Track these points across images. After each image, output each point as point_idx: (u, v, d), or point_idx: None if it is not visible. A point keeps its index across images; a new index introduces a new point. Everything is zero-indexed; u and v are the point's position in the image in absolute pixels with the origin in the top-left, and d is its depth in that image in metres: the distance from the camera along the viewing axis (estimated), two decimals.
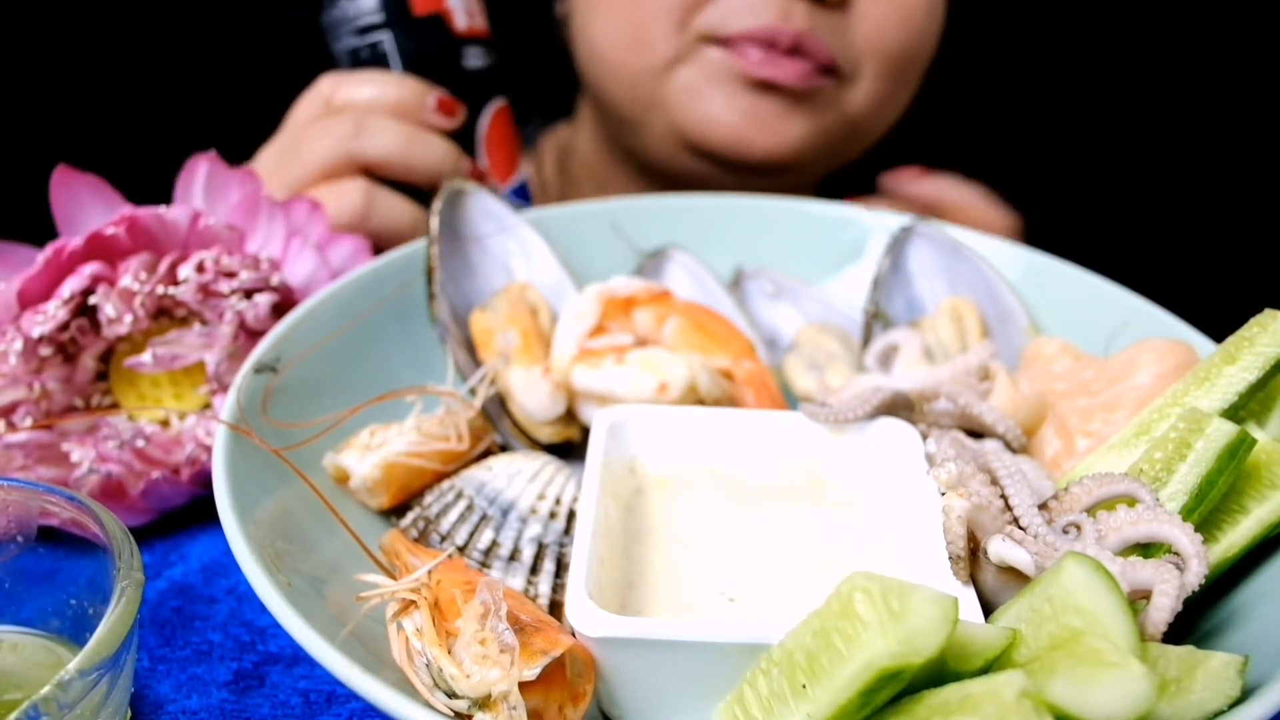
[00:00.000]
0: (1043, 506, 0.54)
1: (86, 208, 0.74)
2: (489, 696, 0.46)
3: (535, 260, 0.81)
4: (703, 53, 0.94)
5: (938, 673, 0.44)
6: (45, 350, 0.69)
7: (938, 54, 1.08)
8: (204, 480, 0.70)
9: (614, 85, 1.03)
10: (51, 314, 0.68)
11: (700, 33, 0.94)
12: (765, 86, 0.93)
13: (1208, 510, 0.53)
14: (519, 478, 0.64)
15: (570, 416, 0.72)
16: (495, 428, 0.70)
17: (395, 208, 0.83)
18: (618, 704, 0.51)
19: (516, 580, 0.59)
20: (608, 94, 1.05)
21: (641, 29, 0.95)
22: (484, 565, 0.60)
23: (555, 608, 0.58)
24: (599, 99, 1.08)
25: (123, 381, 0.73)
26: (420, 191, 0.84)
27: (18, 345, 0.67)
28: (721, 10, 0.92)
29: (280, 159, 0.86)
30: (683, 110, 0.97)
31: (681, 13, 0.94)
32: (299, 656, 0.61)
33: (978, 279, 0.80)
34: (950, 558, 0.52)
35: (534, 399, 0.69)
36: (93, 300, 0.69)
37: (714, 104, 0.95)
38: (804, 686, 0.44)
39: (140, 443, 0.67)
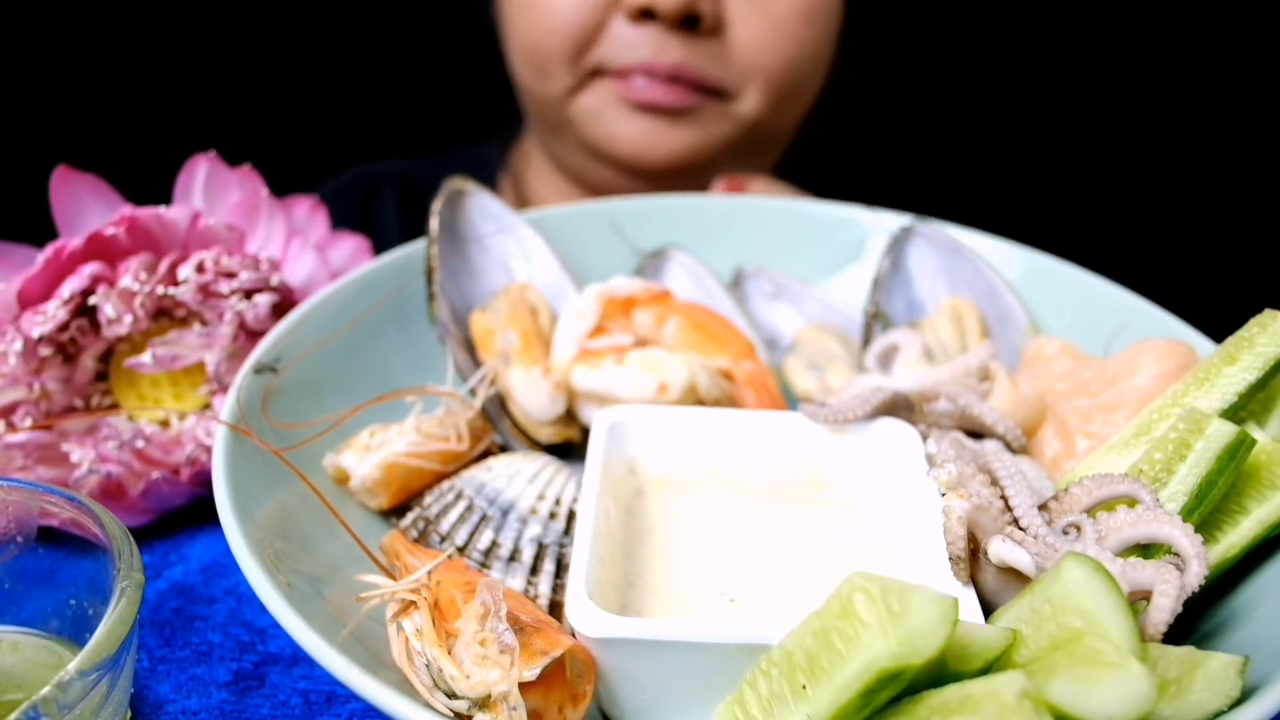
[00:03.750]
0: (1043, 507, 0.54)
1: (86, 208, 0.74)
2: (489, 697, 0.46)
3: (535, 260, 0.81)
4: (596, 83, 1.05)
5: (938, 673, 0.44)
6: (45, 350, 0.69)
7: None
8: (204, 480, 0.70)
9: (529, 104, 1.15)
10: (51, 314, 0.68)
11: (591, 67, 1.04)
12: (652, 108, 1.03)
13: (1208, 511, 0.53)
14: (519, 478, 0.64)
15: (570, 417, 0.72)
16: (495, 428, 0.70)
17: None
18: (618, 704, 0.51)
19: (516, 581, 0.59)
20: (528, 111, 1.18)
21: (542, 64, 1.06)
22: (484, 566, 0.60)
23: (555, 608, 0.58)
24: (525, 113, 1.20)
25: (123, 381, 0.73)
26: None
27: (18, 345, 0.67)
28: (606, 48, 1.02)
29: None
30: (587, 130, 1.07)
31: (572, 53, 1.04)
32: (299, 656, 0.61)
33: (978, 279, 0.80)
34: (950, 558, 0.52)
35: (534, 399, 0.69)
36: (93, 300, 0.69)
37: (612, 124, 1.05)
38: (804, 687, 0.44)
39: (140, 443, 0.67)
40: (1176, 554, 0.50)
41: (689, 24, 0.99)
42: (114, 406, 0.73)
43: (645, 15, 0.98)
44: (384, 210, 1.28)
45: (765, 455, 0.65)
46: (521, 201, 1.27)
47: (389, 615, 0.52)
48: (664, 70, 1.00)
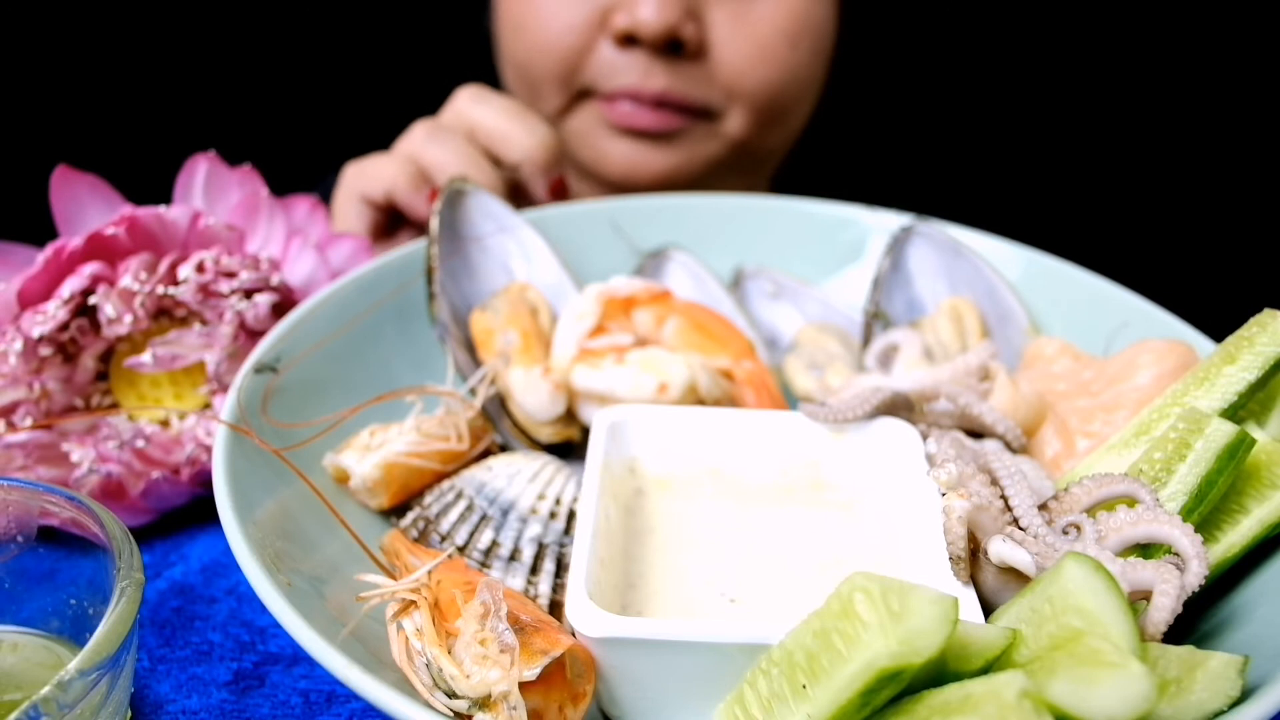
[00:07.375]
0: (1043, 507, 0.54)
1: (86, 208, 0.74)
2: (489, 696, 0.46)
3: (535, 260, 0.81)
4: (584, 106, 1.06)
5: (938, 673, 0.44)
6: (45, 350, 0.69)
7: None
8: (204, 480, 0.70)
9: None
10: (51, 314, 0.68)
11: (581, 87, 1.05)
12: (639, 131, 1.04)
13: (1208, 510, 0.53)
14: (519, 478, 0.64)
15: (570, 416, 0.72)
16: (495, 428, 0.70)
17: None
18: (618, 704, 0.51)
19: (516, 580, 0.59)
20: None
21: (533, 85, 1.07)
22: (484, 565, 0.60)
23: (555, 608, 0.58)
24: None
25: (123, 381, 0.73)
26: None
27: (18, 345, 0.67)
28: (594, 71, 1.03)
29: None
30: (577, 151, 1.08)
31: (561, 75, 1.05)
32: (299, 656, 0.61)
33: (978, 279, 0.81)
34: (950, 558, 0.52)
35: (534, 399, 0.69)
36: (93, 300, 0.69)
37: (600, 146, 1.06)
38: (804, 686, 0.44)
39: (140, 443, 0.67)
40: (1176, 554, 0.50)
41: (673, 49, 0.99)
42: (114, 406, 0.73)
43: (629, 41, 0.99)
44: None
45: (765, 455, 0.65)
46: None
47: (389, 615, 0.52)
48: (650, 96, 1.01)
